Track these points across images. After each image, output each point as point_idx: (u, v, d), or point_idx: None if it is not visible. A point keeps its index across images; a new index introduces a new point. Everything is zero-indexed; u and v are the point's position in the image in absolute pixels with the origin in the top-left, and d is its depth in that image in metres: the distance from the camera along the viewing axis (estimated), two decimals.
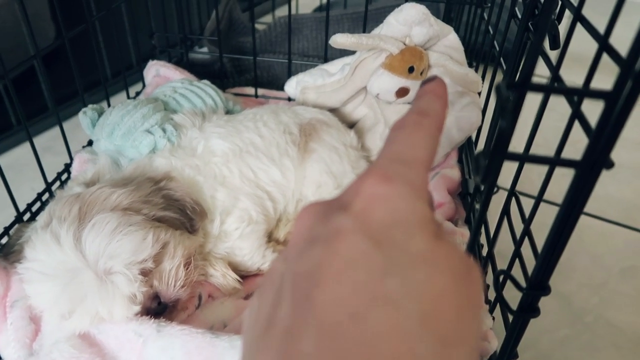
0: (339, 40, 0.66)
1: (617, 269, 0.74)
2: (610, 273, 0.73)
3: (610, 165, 0.28)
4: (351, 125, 0.75)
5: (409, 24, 0.66)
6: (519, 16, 0.52)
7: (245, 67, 1.02)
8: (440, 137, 0.25)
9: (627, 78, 0.26)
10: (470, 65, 0.77)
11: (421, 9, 0.65)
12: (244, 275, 0.59)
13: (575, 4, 0.37)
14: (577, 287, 0.70)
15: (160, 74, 0.88)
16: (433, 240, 0.20)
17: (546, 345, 0.63)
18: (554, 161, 0.30)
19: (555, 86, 0.34)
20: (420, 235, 0.19)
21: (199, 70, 0.95)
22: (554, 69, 0.37)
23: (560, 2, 0.41)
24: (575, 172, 0.29)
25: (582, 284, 0.71)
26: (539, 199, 0.39)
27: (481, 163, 0.29)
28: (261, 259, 0.59)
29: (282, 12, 1.24)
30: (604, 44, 0.30)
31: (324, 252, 0.19)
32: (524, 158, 0.31)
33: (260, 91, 0.93)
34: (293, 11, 1.26)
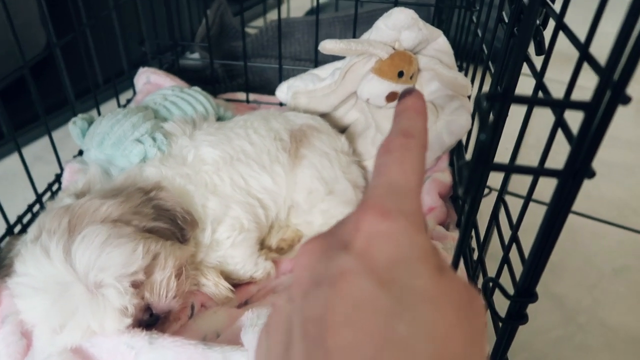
0: (327, 46, 0.66)
1: (609, 268, 0.74)
2: (603, 273, 0.73)
3: (591, 174, 0.28)
4: (342, 129, 0.75)
5: (398, 28, 0.66)
6: (507, 21, 0.52)
7: (237, 72, 1.02)
8: (427, 154, 0.25)
9: (606, 88, 0.26)
10: (460, 68, 0.78)
11: (410, 14, 0.65)
12: (237, 284, 0.59)
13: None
14: (569, 288, 0.71)
15: (151, 81, 0.88)
16: (437, 274, 0.20)
17: (540, 346, 0.63)
18: (537, 171, 0.30)
19: (536, 98, 0.34)
20: (424, 271, 0.20)
21: (191, 76, 0.95)
22: (539, 77, 0.37)
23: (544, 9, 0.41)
24: (558, 181, 0.29)
25: (574, 284, 0.71)
26: (525, 205, 0.39)
27: (464, 174, 0.29)
28: (253, 266, 0.59)
29: (273, 15, 1.24)
30: (584, 53, 0.30)
31: (331, 295, 0.19)
32: (508, 168, 0.31)
33: (252, 96, 0.92)
34: (285, 15, 1.26)
